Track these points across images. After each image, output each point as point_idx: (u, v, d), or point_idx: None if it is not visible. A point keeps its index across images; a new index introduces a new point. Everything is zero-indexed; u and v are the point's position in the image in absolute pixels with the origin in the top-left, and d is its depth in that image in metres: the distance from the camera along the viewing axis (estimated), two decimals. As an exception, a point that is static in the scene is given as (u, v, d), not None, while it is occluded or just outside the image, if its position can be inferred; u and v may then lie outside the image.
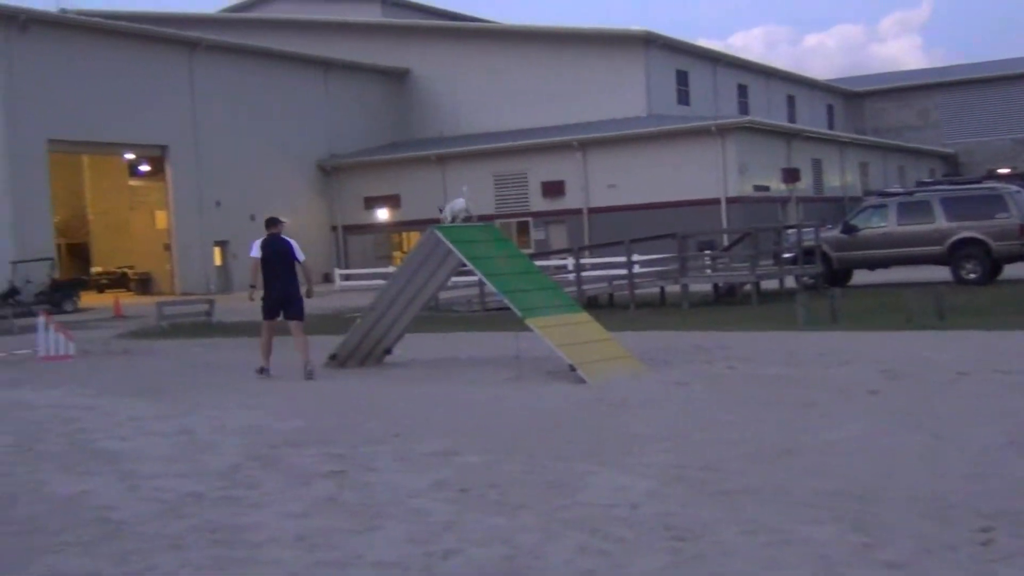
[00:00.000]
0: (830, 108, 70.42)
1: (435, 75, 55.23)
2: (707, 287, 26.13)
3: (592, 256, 34.72)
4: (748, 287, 24.43)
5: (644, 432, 9.05)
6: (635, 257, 26.84)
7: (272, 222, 14.95)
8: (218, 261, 46.07)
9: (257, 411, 11.34)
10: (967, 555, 5.42)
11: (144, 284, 46.91)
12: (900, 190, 30.00)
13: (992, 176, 46.59)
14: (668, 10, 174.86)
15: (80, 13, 48.24)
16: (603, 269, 29.34)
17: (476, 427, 9.75)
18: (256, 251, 14.50)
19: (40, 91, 39.33)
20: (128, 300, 39.36)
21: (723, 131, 43.83)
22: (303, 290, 14.68)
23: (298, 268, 14.67)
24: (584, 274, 26.65)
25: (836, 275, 26.21)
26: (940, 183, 31.85)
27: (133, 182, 48.96)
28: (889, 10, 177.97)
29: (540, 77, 52.09)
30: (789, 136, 49.14)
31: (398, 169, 50.72)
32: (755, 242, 25.76)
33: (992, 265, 25.00)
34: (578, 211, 46.19)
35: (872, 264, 26.79)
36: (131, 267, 48.76)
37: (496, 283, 13.69)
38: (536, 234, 47.11)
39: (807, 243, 26.21)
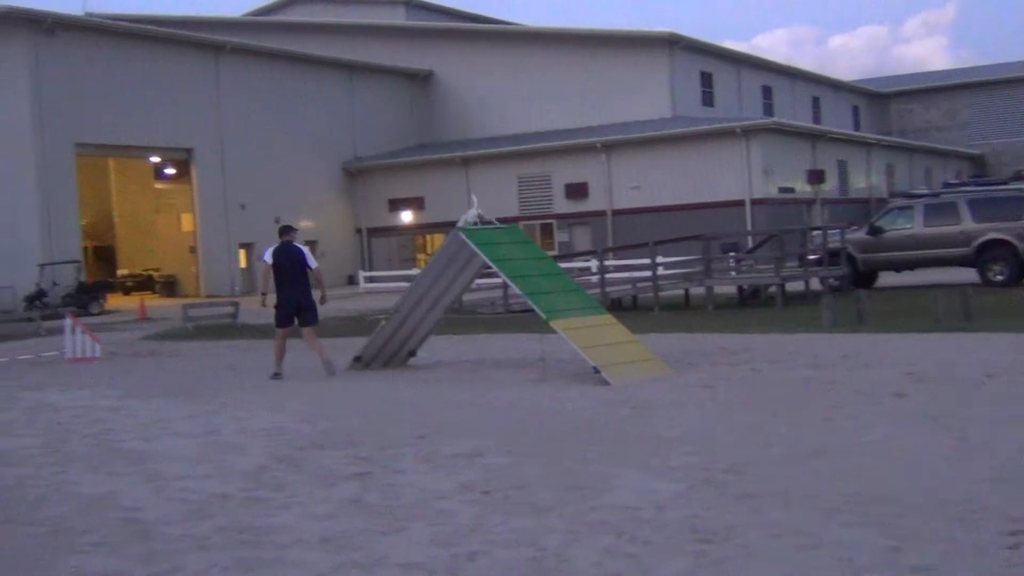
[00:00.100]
0: (856, 109, 70.03)
1: (459, 77, 55.28)
2: (732, 289, 26.06)
3: (616, 258, 34.66)
4: (773, 289, 24.35)
5: (669, 434, 9.03)
6: (659, 259, 26.78)
7: (285, 230, 15.28)
8: (243, 263, 46.24)
9: (282, 413, 11.38)
10: (995, 559, 5.38)
11: (169, 286, 47.11)
12: (926, 191, 29.83)
13: (1020, 177, 46.08)
14: (692, 11, 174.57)
15: (106, 17, 48.52)
16: (627, 271, 29.28)
17: (501, 429, 9.75)
18: (268, 257, 14.81)
19: (67, 95, 39.59)
20: (154, 302, 39.56)
21: (748, 133, 43.65)
22: (316, 297, 14.91)
23: (310, 275, 14.91)
24: (608, 276, 26.60)
25: (862, 277, 26.09)
26: (967, 184, 31.62)
27: (159, 185, 49.19)
28: (915, 11, 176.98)
29: (564, 79, 52.04)
30: (814, 137, 48.90)
31: (422, 171, 50.77)
32: (780, 244, 25.67)
33: (1019, 267, 24.79)
34: (602, 213, 46.10)
35: (898, 266, 26.65)
36: (157, 269, 48.99)
37: (520, 285, 13.69)
38: (560, 236, 47.07)
39: (832, 245, 26.11)
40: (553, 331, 12.94)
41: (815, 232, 28.27)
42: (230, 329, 24.21)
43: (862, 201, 50.93)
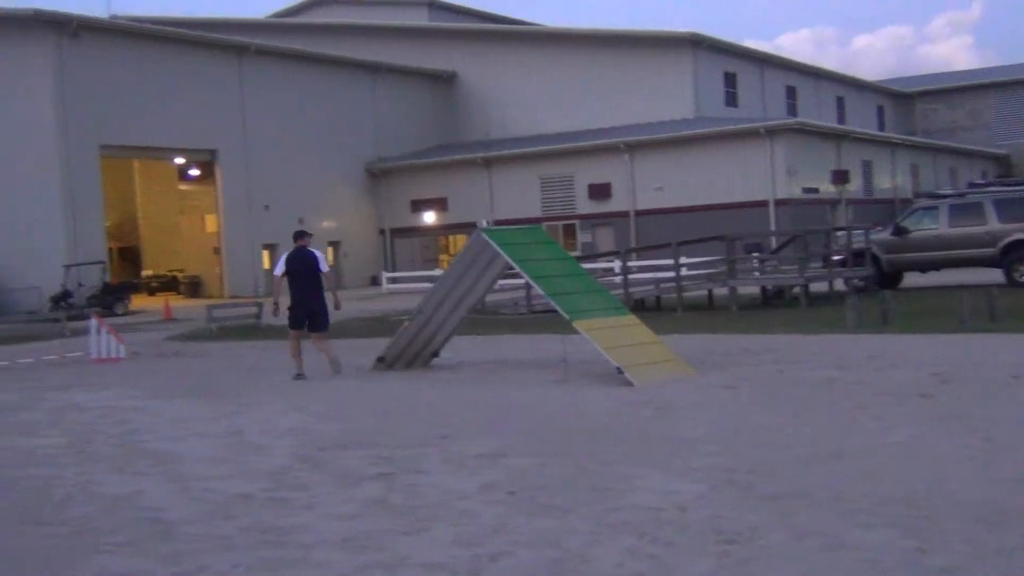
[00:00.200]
0: (880, 109, 69.69)
1: (482, 78, 55.33)
2: (755, 290, 25.97)
3: (639, 259, 34.59)
4: (797, 289, 24.25)
5: (692, 435, 9.01)
6: (682, 259, 26.72)
7: (300, 235, 15.46)
8: (267, 264, 46.38)
9: (305, 413, 11.42)
10: (1021, 561, 5.35)
11: (194, 287, 47.33)
12: (952, 192, 29.64)
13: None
14: (715, 11, 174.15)
15: (130, 19, 48.79)
16: (650, 271, 29.22)
17: (524, 430, 9.75)
18: (280, 268, 15.07)
19: (92, 97, 39.84)
20: (178, 303, 39.73)
21: (771, 133, 43.51)
22: (330, 301, 15.07)
23: (323, 278, 15.10)
24: (631, 276, 26.54)
25: (886, 277, 25.95)
26: (992, 184, 31.41)
27: (183, 186, 49.45)
28: (939, 10, 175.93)
29: (587, 79, 52.01)
30: (838, 138, 48.69)
31: (445, 172, 50.83)
32: (804, 244, 25.57)
33: (1046, 267, 24.64)
34: (625, 213, 46.04)
35: (923, 266, 26.50)
36: (181, 270, 49.24)
37: (543, 285, 13.68)
38: (583, 237, 47.03)
39: (857, 245, 25.98)
40: (576, 331, 12.93)
41: (839, 232, 28.13)
42: (254, 330, 24.29)
43: (887, 201, 50.66)
